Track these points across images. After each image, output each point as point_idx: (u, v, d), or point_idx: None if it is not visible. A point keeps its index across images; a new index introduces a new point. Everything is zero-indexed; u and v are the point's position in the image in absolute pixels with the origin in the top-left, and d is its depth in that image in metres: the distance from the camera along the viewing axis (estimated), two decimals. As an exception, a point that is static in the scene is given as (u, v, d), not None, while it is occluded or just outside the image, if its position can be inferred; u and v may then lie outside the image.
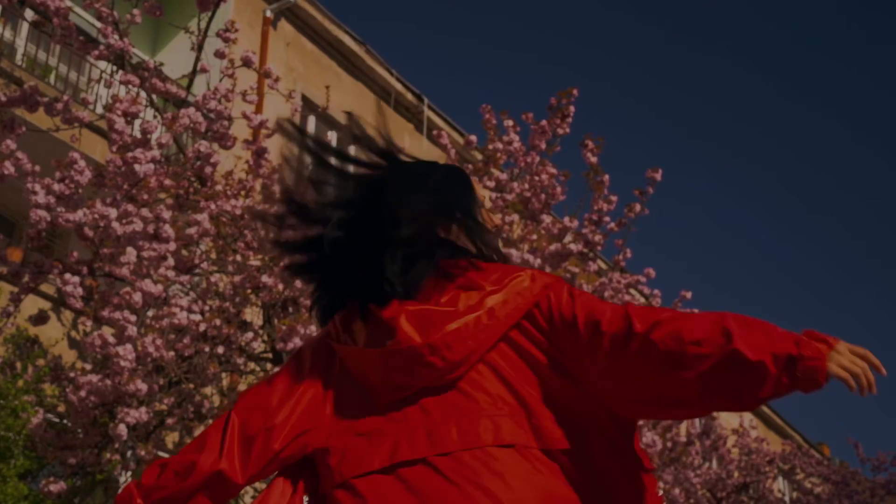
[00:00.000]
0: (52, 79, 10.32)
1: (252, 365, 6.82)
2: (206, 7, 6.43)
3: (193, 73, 6.84)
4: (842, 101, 58.78)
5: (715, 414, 14.46)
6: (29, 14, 9.72)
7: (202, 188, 6.43)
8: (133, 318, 5.54)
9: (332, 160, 1.89)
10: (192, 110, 6.00)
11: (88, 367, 6.76)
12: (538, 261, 7.30)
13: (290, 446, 1.74)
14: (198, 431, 6.65)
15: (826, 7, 55.02)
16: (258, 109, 9.03)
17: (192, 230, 5.91)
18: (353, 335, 1.78)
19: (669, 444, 9.87)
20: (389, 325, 1.70)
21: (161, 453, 6.74)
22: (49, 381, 7.21)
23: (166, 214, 5.69)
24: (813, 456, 16.24)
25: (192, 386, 6.27)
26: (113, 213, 5.51)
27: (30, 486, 7.21)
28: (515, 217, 7.65)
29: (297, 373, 1.81)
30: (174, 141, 6.36)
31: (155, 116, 6.71)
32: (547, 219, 7.78)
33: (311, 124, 12.66)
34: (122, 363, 5.45)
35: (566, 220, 7.76)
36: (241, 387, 7.00)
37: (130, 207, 5.65)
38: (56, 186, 5.55)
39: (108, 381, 5.71)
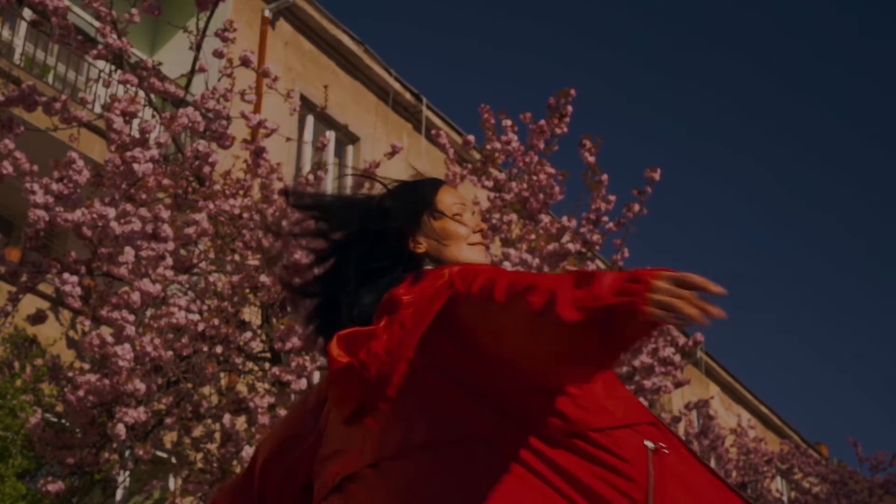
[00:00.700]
0: (50, 78, 10.31)
1: (250, 364, 6.83)
2: (205, 6, 6.43)
3: (192, 72, 6.85)
4: (841, 99, 58.89)
5: (713, 414, 14.49)
6: (27, 13, 9.72)
7: (200, 188, 6.43)
8: (131, 317, 5.55)
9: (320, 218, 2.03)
10: (190, 110, 6.00)
11: (87, 366, 6.76)
12: (536, 260, 7.30)
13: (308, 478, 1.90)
14: (196, 431, 6.65)
15: (825, 5, 55.10)
16: (256, 109, 9.03)
17: (190, 230, 5.92)
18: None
19: (668, 444, 9.89)
20: (329, 350, 1.81)
21: (159, 453, 6.75)
22: (47, 381, 7.20)
23: (165, 214, 5.69)
24: (811, 456, 16.27)
25: (190, 385, 6.27)
26: (111, 212, 5.51)
27: (28, 485, 7.21)
28: (514, 217, 7.66)
29: (301, 408, 2.00)
30: (173, 140, 6.36)
31: (153, 116, 6.71)
32: (545, 218, 7.79)
33: (310, 124, 12.67)
34: (121, 363, 5.45)
35: (564, 219, 7.76)
36: (240, 386, 7.01)
37: (129, 207, 5.66)
38: (54, 186, 5.55)
39: (107, 381, 5.71)
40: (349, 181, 2.06)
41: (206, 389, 6.61)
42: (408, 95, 14.12)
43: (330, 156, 12.68)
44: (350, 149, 13.33)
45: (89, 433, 6.43)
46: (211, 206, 6.21)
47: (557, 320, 1.42)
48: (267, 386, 6.37)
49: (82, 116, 6.00)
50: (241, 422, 6.31)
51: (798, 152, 54.93)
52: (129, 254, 5.51)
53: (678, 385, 8.56)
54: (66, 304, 5.79)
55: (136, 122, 6.12)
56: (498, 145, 7.91)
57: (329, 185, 12.92)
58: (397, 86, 13.94)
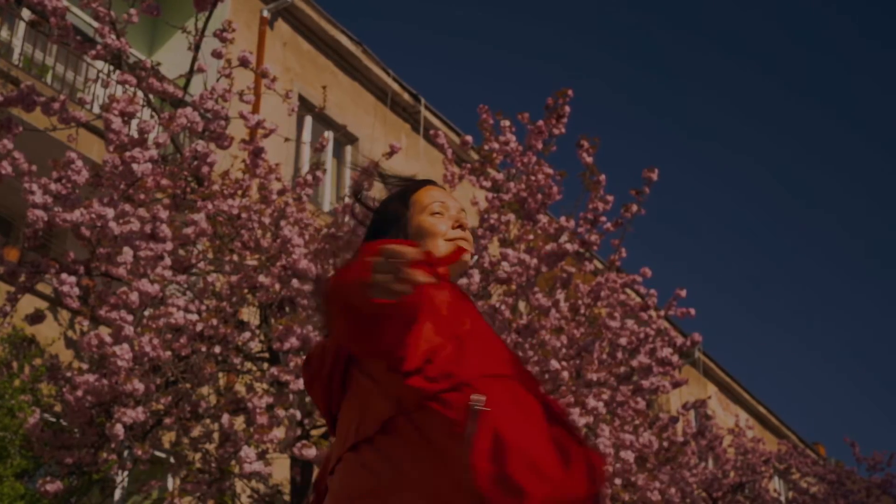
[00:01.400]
0: (48, 78, 10.32)
1: (249, 365, 6.83)
2: (203, 7, 6.43)
3: (190, 72, 6.85)
4: (841, 98, 58.90)
5: (711, 414, 14.50)
6: (26, 13, 9.73)
7: (199, 188, 6.44)
8: (130, 317, 5.55)
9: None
10: (189, 110, 6.01)
11: (85, 366, 6.76)
12: (535, 261, 7.32)
13: None
14: (195, 431, 6.65)
15: (825, 4, 55.12)
16: (255, 109, 9.04)
17: (188, 230, 5.92)
18: None
19: (666, 444, 9.87)
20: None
21: (158, 453, 6.75)
22: (46, 381, 7.21)
23: (163, 214, 5.70)
24: (809, 456, 16.26)
25: (188, 386, 6.27)
26: (110, 212, 5.52)
27: (26, 485, 7.21)
28: (512, 217, 7.66)
29: None
30: (171, 141, 6.37)
31: (152, 116, 6.72)
32: (543, 218, 7.80)
33: (308, 124, 12.67)
34: (119, 363, 5.45)
35: (562, 219, 7.77)
36: (238, 386, 7.01)
37: (127, 207, 5.66)
38: (53, 186, 5.55)
39: (105, 381, 5.71)
40: (353, 175, 2.09)
41: (205, 389, 6.61)
42: (406, 96, 14.13)
43: (328, 156, 12.69)
44: (348, 149, 13.34)
45: (88, 433, 6.43)
46: (209, 206, 6.21)
47: (324, 306, 1.67)
48: (265, 386, 6.37)
49: (81, 116, 6.01)
50: (239, 422, 6.32)
51: (798, 152, 54.97)
52: (127, 254, 5.52)
53: (676, 385, 8.57)
54: (65, 304, 5.79)
55: (134, 122, 6.13)
56: (496, 146, 7.92)
57: (327, 186, 12.94)
58: (396, 86, 13.95)
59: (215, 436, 6.67)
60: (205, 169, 6.17)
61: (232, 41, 6.74)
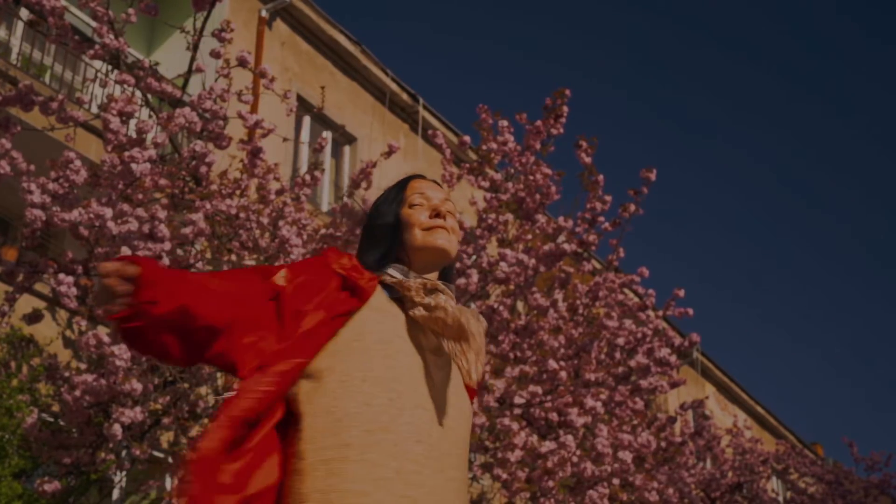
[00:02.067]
0: (47, 78, 10.32)
1: (247, 364, 6.81)
2: (202, 7, 6.43)
3: (189, 72, 6.85)
4: (841, 97, 58.92)
5: (709, 414, 14.50)
6: (24, 13, 9.71)
7: (197, 188, 6.44)
8: (128, 317, 5.53)
9: None
10: (187, 110, 6.00)
11: (83, 366, 6.76)
12: (533, 260, 7.32)
13: None
14: (193, 431, 6.65)
15: (825, 3, 55.15)
16: (253, 109, 9.04)
17: (187, 230, 5.92)
18: None
19: (664, 444, 9.88)
20: None
21: (156, 453, 6.75)
22: (44, 381, 7.20)
23: (161, 214, 5.69)
24: (807, 456, 16.27)
25: (187, 385, 6.27)
26: (108, 212, 5.51)
27: (24, 485, 7.20)
28: (510, 217, 7.67)
29: None
30: (169, 140, 6.37)
31: (150, 116, 6.71)
32: (542, 218, 7.80)
33: (307, 124, 12.67)
34: (117, 362, 5.45)
35: (561, 219, 7.78)
36: (236, 386, 7.00)
37: (126, 207, 5.65)
38: (51, 186, 5.55)
39: (103, 381, 5.71)
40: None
41: (203, 389, 6.61)
42: (404, 96, 14.12)
43: (327, 156, 12.69)
44: (347, 149, 13.33)
45: (86, 433, 6.42)
46: (208, 206, 6.21)
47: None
48: (263, 386, 6.35)
49: (79, 116, 6.00)
50: (237, 422, 6.30)
51: (797, 151, 54.99)
52: (125, 254, 5.51)
53: (674, 385, 8.58)
54: (63, 304, 5.79)
55: (132, 122, 6.12)
56: (494, 146, 7.93)
57: (326, 186, 12.94)
58: (394, 86, 13.95)
59: (213, 436, 6.65)
60: (203, 169, 6.17)
61: (230, 41, 6.74)
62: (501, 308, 7.47)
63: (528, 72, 50.76)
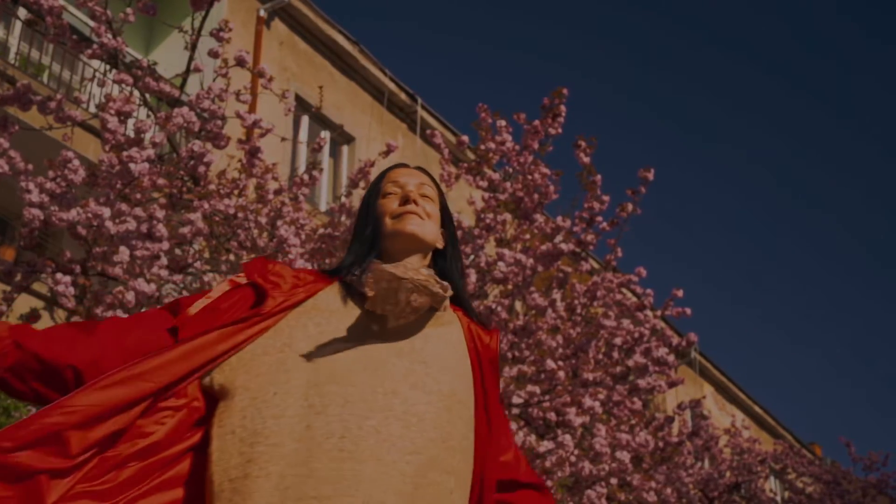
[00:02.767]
0: (45, 77, 10.31)
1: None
2: (200, 6, 6.43)
3: (187, 72, 6.84)
4: (841, 97, 58.95)
5: (707, 414, 14.50)
6: (22, 13, 9.71)
7: (195, 187, 6.44)
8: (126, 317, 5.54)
9: None
10: (185, 110, 6.00)
11: (81, 366, 6.73)
12: (531, 260, 7.32)
13: None
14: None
15: (825, 3, 55.16)
16: (252, 109, 9.04)
17: (185, 229, 5.92)
18: None
19: (661, 444, 9.89)
20: None
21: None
22: (42, 380, 7.19)
23: (160, 214, 5.69)
24: (805, 456, 16.28)
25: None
26: (106, 212, 5.51)
27: (22, 485, 7.20)
28: (508, 216, 7.67)
29: None
30: (168, 140, 6.36)
31: (148, 116, 6.71)
32: (540, 218, 7.80)
33: (305, 124, 12.67)
34: (115, 362, 5.44)
35: (559, 219, 7.78)
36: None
37: (124, 207, 5.65)
38: (49, 185, 5.55)
39: (101, 380, 5.70)
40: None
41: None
42: (403, 95, 14.13)
43: (325, 156, 12.69)
44: (345, 149, 13.34)
45: (84, 432, 6.42)
46: (206, 205, 6.21)
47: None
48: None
49: (77, 116, 6.00)
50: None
51: (797, 151, 55.01)
52: (123, 253, 5.51)
53: (672, 385, 8.58)
54: (61, 304, 5.78)
55: (130, 121, 6.12)
56: (492, 145, 7.93)
57: (324, 186, 12.94)
58: (392, 86, 13.95)
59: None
60: (201, 168, 6.16)
61: (228, 41, 6.74)
62: (499, 308, 7.48)
63: (527, 71, 50.80)
